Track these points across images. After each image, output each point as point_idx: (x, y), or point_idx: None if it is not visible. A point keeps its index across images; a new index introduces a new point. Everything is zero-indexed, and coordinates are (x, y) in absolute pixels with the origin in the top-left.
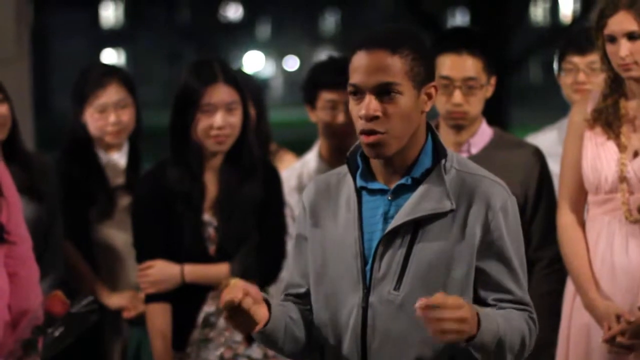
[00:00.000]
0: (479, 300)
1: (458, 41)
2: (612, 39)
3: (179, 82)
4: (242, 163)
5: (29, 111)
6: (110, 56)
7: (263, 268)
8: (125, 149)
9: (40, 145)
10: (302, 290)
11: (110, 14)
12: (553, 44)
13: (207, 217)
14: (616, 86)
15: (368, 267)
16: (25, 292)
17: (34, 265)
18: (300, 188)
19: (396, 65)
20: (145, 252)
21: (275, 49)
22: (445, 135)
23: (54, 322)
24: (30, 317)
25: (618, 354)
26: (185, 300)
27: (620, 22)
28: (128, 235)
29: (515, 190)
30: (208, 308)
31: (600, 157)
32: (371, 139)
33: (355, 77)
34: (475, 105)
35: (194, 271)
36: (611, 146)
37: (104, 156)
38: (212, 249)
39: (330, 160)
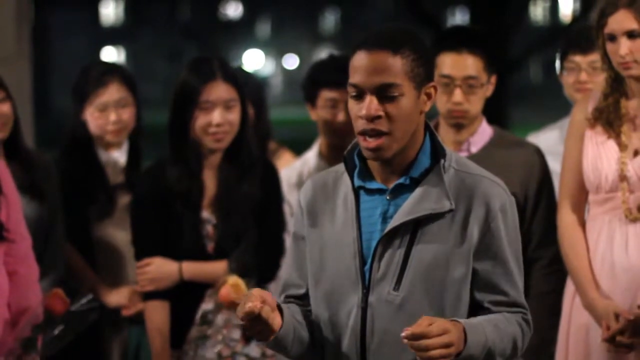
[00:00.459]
0: (474, 301)
1: (458, 40)
2: (612, 38)
3: (178, 80)
4: (240, 161)
5: (29, 109)
6: (111, 54)
7: (261, 266)
8: (125, 147)
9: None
10: (302, 291)
11: (110, 12)
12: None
13: (206, 214)
14: (617, 85)
15: (367, 267)
16: (25, 291)
17: (33, 264)
18: (300, 186)
19: (397, 65)
20: (144, 250)
21: (275, 48)
22: (445, 134)
23: (54, 321)
24: (29, 316)
25: (618, 352)
26: (183, 297)
27: (620, 20)
28: (128, 234)
29: (515, 189)
30: (206, 305)
31: (601, 156)
32: (372, 143)
33: (356, 77)
34: (475, 104)
35: (192, 269)
36: (612, 145)
37: (104, 154)
38: (210, 246)
39: (330, 158)
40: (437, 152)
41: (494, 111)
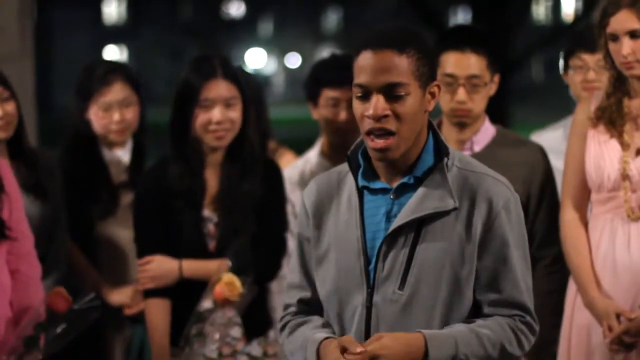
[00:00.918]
0: (474, 300)
1: (462, 39)
2: (615, 38)
3: (179, 78)
4: (242, 159)
5: (32, 108)
6: (113, 53)
7: (262, 264)
8: (128, 146)
9: (42, 142)
10: (308, 294)
11: (112, 11)
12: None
13: (208, 212)
14: (619, 85)
15: (371, 266)
16: (27, 289)
17: (35, 262)
18: (302, 185)
19: (404, 65)
20: (145, 248)
21: (277, 46)
22: (448, 133)
23: (56, 319)
24: (32, 314)
25: (619, 352)
26: (184, 295)
27: (623, 20)
28: (131, 233)
29: (518, 188)
30: (206, 304)
31: (603, 155)
32: (380, 144)
33: (362, 77)
34: (478, 103)
35: (192, 266)
36: (614, 144)
37: (108, 153)
38: (212, 244)
39: (332, 157)
40: (441, 151)
41: (495, 110)
